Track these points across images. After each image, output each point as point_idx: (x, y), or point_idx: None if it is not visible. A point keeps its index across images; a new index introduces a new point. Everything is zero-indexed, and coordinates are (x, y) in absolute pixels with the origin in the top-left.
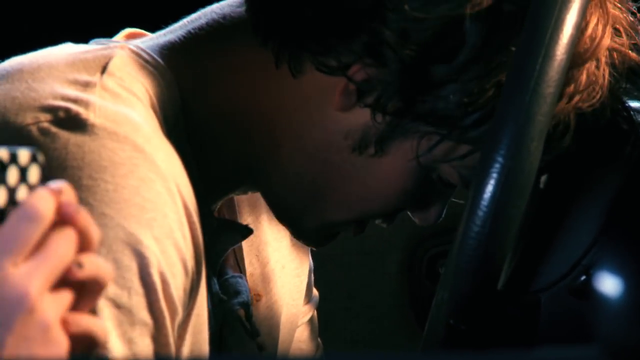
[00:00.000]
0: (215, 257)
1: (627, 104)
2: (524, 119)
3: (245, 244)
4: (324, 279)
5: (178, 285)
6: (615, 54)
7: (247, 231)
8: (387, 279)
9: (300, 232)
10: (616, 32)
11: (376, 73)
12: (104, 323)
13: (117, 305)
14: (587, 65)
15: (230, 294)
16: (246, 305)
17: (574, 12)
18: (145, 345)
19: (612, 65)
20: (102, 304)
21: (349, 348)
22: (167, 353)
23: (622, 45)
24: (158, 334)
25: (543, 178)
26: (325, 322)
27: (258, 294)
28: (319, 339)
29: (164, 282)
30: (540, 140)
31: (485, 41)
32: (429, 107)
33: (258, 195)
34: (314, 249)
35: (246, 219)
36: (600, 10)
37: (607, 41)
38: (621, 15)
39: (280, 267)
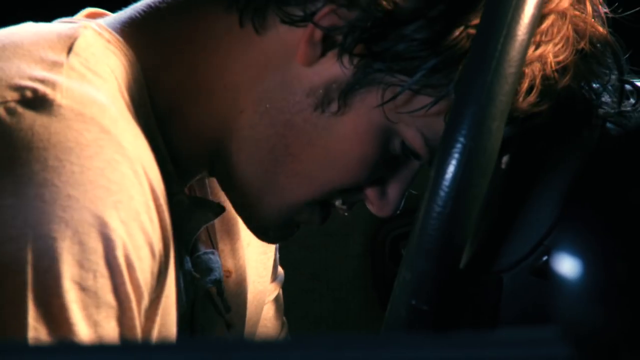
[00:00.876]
0: (187, 235)
1: (589, 84)
2: (485, 99)
3: (216, 219)
4: (288, 261)
5: (145, 268)
6: (577, 20)
7: (219, 209)
8: (350, 261)
9: (260, 223)
10: (579, 0)
11: (346, 14)
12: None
13: (83, 288)
14: (552, 17)
15: (202, 270)
16: (218, 283)
17: None
18: (110, 328)
19: (575, 30)
20: (68, 286)
21: (313, 329)
22: (133, 336)
23: (586, 13)
24: (124, 317)
25: (505, 158)
26: (289, 304)
27: (228, 270)
28: (284, 318)
29: (130, 265)
30: (502, 120)
31: None
32: (395, 48)
33: None
34: (273, 243)
35: (217, 195)
36: None
37: (566, 2)
38: None
39: (246, 244)
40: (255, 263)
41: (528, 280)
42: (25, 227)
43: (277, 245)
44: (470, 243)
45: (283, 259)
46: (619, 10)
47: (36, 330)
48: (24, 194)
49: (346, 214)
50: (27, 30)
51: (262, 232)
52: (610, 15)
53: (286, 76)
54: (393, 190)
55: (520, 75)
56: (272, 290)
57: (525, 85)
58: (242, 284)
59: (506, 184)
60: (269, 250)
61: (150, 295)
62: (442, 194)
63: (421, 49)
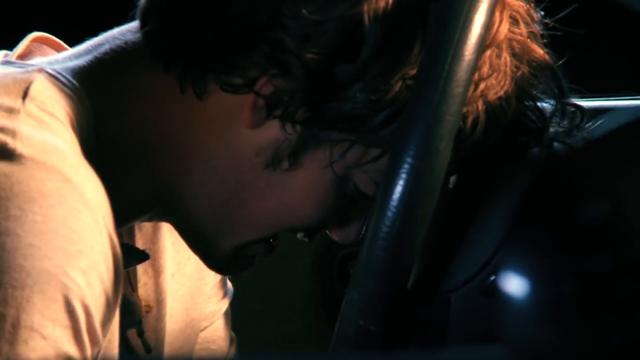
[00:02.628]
0: None
1: (535, 98)
2: (433, 119)
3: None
4: (237, 281)
5: (100, 318)
6: (514, 43)
7: (144, 256)
8: (299, 281)
9: (214, 260)
10: (513, 21)
11: (282, 83)
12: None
13: (43, 337)
14: (488, 53)
15: (123, 313)
16: (138, 324)
17: (482, 12)
18: None
19: (513, 54)
20: (28, 335)
21: (262, 350)
22: None
23: (521, 34)
24: None
25: (452, 178)
26: (239, 324)
27: (149, 305)
28: (232, 333)
29: (88, 315)
30: (450, 140)
31: (386, 37)
32: (337, 111)
33: None
34: (228, 276)
35: (145, 226)
36: None
37: (504, 29)
38: (516, 3)
39: (170, 275)
40: (188, 290)
41: (476, 300)
42: None
43: None
44: (418, 263)
45: (232, 279)
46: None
47: None
48: None
49: (306, 239)
50: None
51: (218, 269)
52: (547, 23)
53: (232, 138)
54: (354, 221)
55: (464, 114)
56: (218, 310)
57: (469, 122)
58: (162, 319)
59: (453, 204)
60: (207, 276)
61: (103, 342)
62: (389, 214)
63: (363, 109)
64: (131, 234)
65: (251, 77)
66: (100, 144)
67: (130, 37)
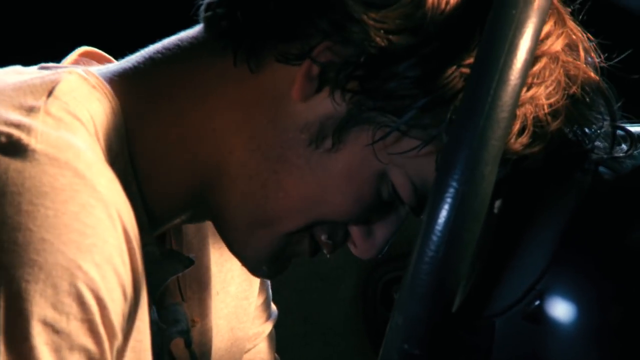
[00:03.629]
0: (155, 285)
1: (581, 129)
2: (478, 144)
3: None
4: (280, 304)
5: (117, 311)
6: (570, 66)
7: (188, 262)
8: (342, 304)
9: (253, 257)
10: (572, 45)
11: (341, 50)
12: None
13: (56, 331)
14: (544, 60)
15: (169, 322)
16: (185, 334)
17: (527, 37)
18: None
19: (567, 75)
20: (40, 329)
21: None
22: None
23: (578, 59)
24: (96, 359)
25: (497, 203)
26: (282, 347)
27: (193, 320)
28: (276, 355)
29: (103, 308)
30: (495, 164)
31: (448, 17)
32: (387, 85)
33: None
34: (267, 278)
35: (192, 241)
36: (557, 16)
37: (562, 42)
38: (578, 31)
39: (215, 293)
40: (234, 309)
41: (520, 325)
42: None
43: (268, 284)
44: (463, 287)
45: (275, 302)
46: (612, 57)
47: None
48: None
49: (328, 255)
50: (12, 76)
51: (256, 268)
52: (603, 64)
53: (279, 113)
54: (379, 233)
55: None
56: (262, 332)
57: (517, 126)
58: (207, 333)
59: (498, 228)
60: (251, 296)
61: (122, 337)
62: (434, 238)
63: (412, 87)
64: (179, 242)
65: (310, 45)
66: (135, 145)
67: (186, 35)
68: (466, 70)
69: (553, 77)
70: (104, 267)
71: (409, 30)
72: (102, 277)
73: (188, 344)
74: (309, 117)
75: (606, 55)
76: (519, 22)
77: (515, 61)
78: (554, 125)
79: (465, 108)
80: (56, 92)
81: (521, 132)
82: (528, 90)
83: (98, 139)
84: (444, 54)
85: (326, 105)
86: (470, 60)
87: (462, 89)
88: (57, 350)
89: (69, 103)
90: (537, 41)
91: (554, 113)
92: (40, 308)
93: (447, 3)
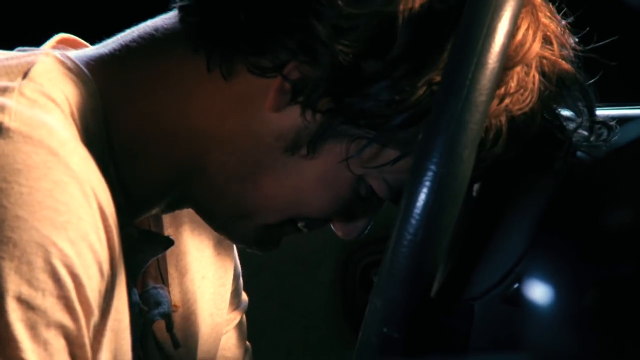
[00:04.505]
0: (135, 267)
1: (559, 113)
2: (456, 127)
3: (167, 253)
4: (259, 289)
5: (93, 288)
6: (545, 62)
7: (167, 242)
8: (321, 288)
9: (239, 238)
10: (547, 41)
11: (309, 70)
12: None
13: (31, 307)
14: (517, 69)
15: (150, 304)
16: (167, 316)
17: (505, 21)
18: (60, 346)
19: (542, 73)
20: (14, 306)
21: (284, 357)
22: (83, 354)
23: (553, 53)
24: (73, 335)
25: (476, 186)
26: (261, 331)
27: (175, 305)
28: (247, 343)
29: (79, 284)
30: (473, 148)
31: (417, 38)
32: (359, 106)
33: None
34: (259, 253)
35: (167, 229)
36: (531, 17)
37: (536, 47)
38: (551, 24)
39: (200, 278)
40: (212, 296)
41: (499, 308)
42: None
43: (239, 273)
44: (441, 271)
45: (254, 286)
46: (592, 42)
47: None
48: None
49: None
50: None
51: (247, 245)
52: (579, 53)
53: (254, 120)
54: (360, 218)
55: (486, 126)
56: (233, 319)
57: (491, 135)
58: (189, 318)
59: (477, 212)
60: (227, 282)
61: (100, 314)
62: (412, 221)
63: (386, 107)
64: (159, 225)
65: (280, 60)
66: (113, 129)
67: (161, 24)
68: (436, 88)
69: (527, 85)
70: (79, 244)
71: (377, 53)
72: (78, 254)
73: (169, 327)
74: (283, 127)
75: (587, 40)
76: (497, 5)
77: (493, 44)
78: (530, 130)
79: (444, 91)
80: (31, 74)
81: (496, 140)
82: (500, 102)
83: (74, 120)
84: (414, 75)
85: (299, 117)
86: (440, 77)
87: (430, 99)
88: (32, 327)
89: (44, 85)
90: (515, 24)
91: (530, 119)
92: (15, 285)
93: (414, 24)
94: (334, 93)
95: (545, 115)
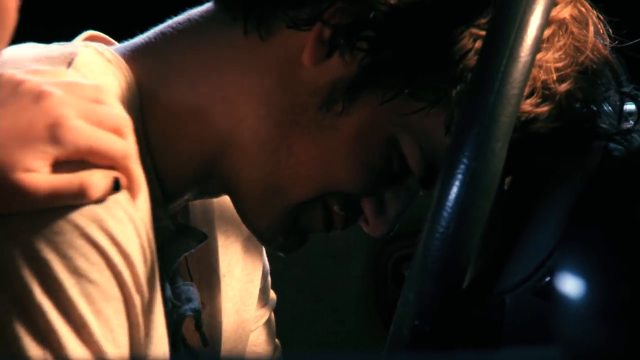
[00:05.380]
0: (169, 262)
1: (591, 105)
2: (488, 120)
3: (195, 251)
4: (290, 283)
5: (140, 270)
6: (580, 37)
7: (202, 236)
8: (352, 282)
9: (267, 228)
10: (583, 21)
11: (350, 11)
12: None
13: (90, 281)
14: (552, 28)
15: (182, 300)
16: (197, 313)
17: (538, 14)
18: (121, 322)
19: (575, 47)
20: (73, 282)
21: (315, 351)
22: (138, 334)
23: (587, 34)
24: (130, 313)
25: (508, 179)
26: (292, 325)
27: (202, 302)
28: (277, 341)
29: (130, 263)
30: (505, 141)
31: None
32: (396, 47)
33: (210, 201)
34: (284, 255)
35: (199, 223)
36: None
37: (568, 11)
38: (588, 10)
39: (222, 276)
40: (239, 292)
41: (531, 301)
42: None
43: (267, 270)
44: (473, 264)
45: (285, 281)
46: (624, 36)
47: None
48: None
49: (340, 230)
50: (28, 49)
51: (271, 239)
52: (611, 44)
53: (290, 78)
54: (390, 208)
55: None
56: (262, 316)
57: (526, 97)
58: (215, 316)
59: (509, 205)
60: (255, 278)
61: (145, 298)
62: (445, 214)
63: (422, 46)
64: (186, 216)
65: (321, 8)
66: (148, 119)
67: (195, 12)
68: (476, 30)
69: (561, 43)
70: (127, 226)
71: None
72: (124, 233)
73: (199, 325)
74: (319, 81)
75: (620, 33)
76: None
77: (525, 37)
78: (562, 88)
79: (476, 84)
80: (75, 64)
81: (530, 94)
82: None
83: None
84: (454, 13)
85: (336, 68)
86: (481, 21)
87: (471, 49)
88: (92, 302)
89: (87, 75)
90: (548, 18)
91: (562, 77)
92: (70, 260)
93: None
94: (373, 32)
95: (578, 105)
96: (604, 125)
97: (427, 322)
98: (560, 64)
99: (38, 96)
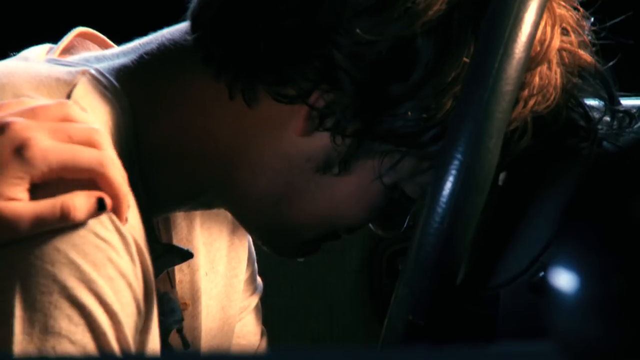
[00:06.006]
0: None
1: (582, 102)
2: (482, 116)
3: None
4: (285, 277)
5: (131, 325)
6: (564, 54)
7: (187, 255)
8: (347, 277)
9: (277, 249)
10: (564, 31)
11: (334, 97)
12: None
13: (71, 342)
14: (539, 68)
15: (166, 312)
16: (180, 322)
17: (532, 11)
18: None
19: (562, 64)
20: (56, 340)
21: (310, 346)
22: None
23: (571, 43)
24: None
25: (502, 175)
26: (286, 320)
27: (185, 303)
28: (262, 327)
29: (117, 323)
30: (499, 137)
31: (439, 56)
32: (388, 127)
33: None
34: (299, 259)
35: (180, 224)
36: (548, 12)
37: (556, 42)
38: (567, 14)
39: (204, 274)
40: (224, 288)
41: (525, 296)
42: (13, 277)
43: (254, 258)
44: (467, 259)
45: (280, 275)
46: (607, 21)
47: None
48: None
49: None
50: (24, 71)
51: (285, 255)
52: (592, 39)
53: (282, 143)
54: (397, 219)
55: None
56: (248, 305)
57: (517, 134)
58: (197, 317)
59: (503, 201)
60: (240, 273)
61: (136, 347)
62: (439, 210)
63: (414, 125)
64: (168, 233)
65: (304, 89)
66: (140, 143)
67: (179, 37)
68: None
69: (550, 81)
70: (118, 282)
71: (400, 76)
72: (116, 292)
73: (179, 329)
74: (312, 150)
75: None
76: None
77: (520, 34)
78: (556, 123)
79: (470, 81)
80: (74, 96)
81: (521, 136)
82: (526, 104)
83: (112, 142)
84: (439, 91)
85: (329, 140)
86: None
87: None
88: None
89: (86, 108)
90: (542, 14)
91: (555, 114)
92: (54, 320)
93: (434, 42)
94: (361, 117)
95: (569, 105)
96: (598, 124)
97: (421, 317)
98: (552, 104)
99: (0, 128)
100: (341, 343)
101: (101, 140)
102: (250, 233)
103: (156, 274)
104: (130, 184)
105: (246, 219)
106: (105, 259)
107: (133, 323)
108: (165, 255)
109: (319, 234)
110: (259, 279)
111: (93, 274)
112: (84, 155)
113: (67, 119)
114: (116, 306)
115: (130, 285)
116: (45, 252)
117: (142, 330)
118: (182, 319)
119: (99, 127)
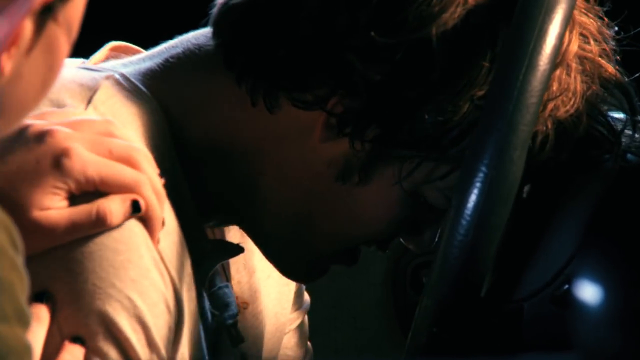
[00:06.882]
0: (204, 272)
1: (606, 113)
2: (507, 129)
3: None
4: (309, 289)
5: (161, 325)
6: (585, 61)
7: (238, 250)
8: (371, 289)
9: (288, 267)
10: (584, 38)
11: (351, 103)
12: None
13: (94, 350)
14: (557, 72)
15: (220, 307)
16: (235, 317)
17: (557, 23)
18: None
19: (583, 72)
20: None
21: (334, 358)
22: None
23: (591, 52)
24: None
25: (526, 187)
26: (311, 332)
27: (245, 302)
28: (308, 344)
29: (144, 327)
30: (523, 149)
31: (455, 60)
32: (406, 131)
33: None
34: (303, 284)
35: (232, 228)
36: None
37: (574, 47)
38: (588, 21)
39: (266, 277)
40: (277, 295)
41: (549, 309)
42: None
43: None
44: (492, 271)
45: (304, 287)
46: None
47: None
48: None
49: (380, 252)
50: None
51: (293, 277)
52: (615, 48)
53: (304, 149)
54: (426, 232)
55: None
56: (295, 319)
57: (538, 141)
58: (258, 317)
59: (527, 213)
60: (291, 282)
61: (169, 348)
62: (463, 222)
63: (432, 128)
64: (222, 235)
65: (322, 95)
66: (178, 144)
67: (204, 41)
68: (480, 102)
69: (569, 86)
70: (142, 283)
71: (417, 80)
72: (141, 293)
73: (234, 323)
74: (333, 155)
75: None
76: (549, 7)
77: (544, 46)
78: (578, 132)
79: (495, 93)
80: (94, 102)
81: (544, 145)
82: (545, 107)
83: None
84: (456, 94)
85: (348, 145)
86: (482, 92)
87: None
88: None
89: (106, 114)
90: (567, 26)
91: (576, 121)
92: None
93: (450, 44)
94: (378, 122)
95: (592, 115)
96: (622, 137)
97: (445, 329)
98: (572, 109)
99: (43, 135)
100: (365, 355)
101: (141, 159)
102: (263, 248)
103: (207, 269)
104: (174, 186)
105: (262, 231)
106: (125, 261)
107: (164, 323)
108: (214, 251)
109: (337, 249)
110: (307, 296)
111: (113, 280)
112: (122, 173)
113: (109, 135)
114: (143, 308)
115: (155, 285)
116: (81, 259)
117: (177, 327)
118: (237, 314)
119: (140, 146)
